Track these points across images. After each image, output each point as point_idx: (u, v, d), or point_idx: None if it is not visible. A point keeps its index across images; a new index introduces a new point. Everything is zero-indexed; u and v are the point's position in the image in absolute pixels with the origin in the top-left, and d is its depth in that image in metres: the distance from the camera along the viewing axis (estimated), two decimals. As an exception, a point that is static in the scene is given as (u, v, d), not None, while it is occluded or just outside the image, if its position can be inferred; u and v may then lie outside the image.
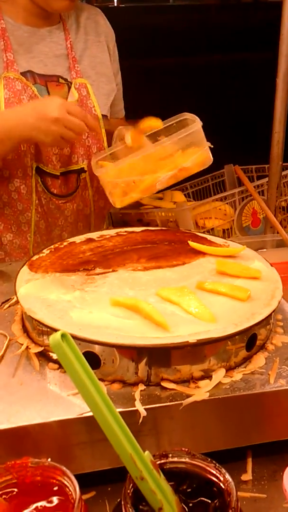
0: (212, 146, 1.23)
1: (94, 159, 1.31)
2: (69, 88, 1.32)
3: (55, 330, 0.68)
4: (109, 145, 1.38)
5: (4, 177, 1.31)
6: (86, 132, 1.23)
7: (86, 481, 0.70)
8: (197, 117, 1.22)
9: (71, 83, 1.32)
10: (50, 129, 1.14)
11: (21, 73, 1.26)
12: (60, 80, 1.32)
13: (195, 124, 1.19)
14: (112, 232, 1.13)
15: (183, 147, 1.21)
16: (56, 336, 0.51)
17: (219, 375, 0.76)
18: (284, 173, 1.60)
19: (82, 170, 1.37)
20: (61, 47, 1.34)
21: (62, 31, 1.35)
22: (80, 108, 1.21)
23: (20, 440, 0.70)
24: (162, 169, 1.20)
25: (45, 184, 1.34)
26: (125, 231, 1.13)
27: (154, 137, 1.28)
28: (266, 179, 1.59)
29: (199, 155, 1.21)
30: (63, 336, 0.52)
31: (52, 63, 1.32)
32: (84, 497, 0.71)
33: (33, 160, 1.30)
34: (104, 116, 1.38)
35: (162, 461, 0.58)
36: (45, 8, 1.25)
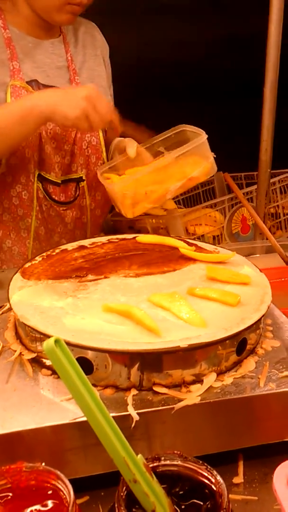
0: (215, 156, 1.27)
1: (99, 171, 1.33)
2: None
3: (48, 337, 0.69)
4: (107, 155, 1.41)
5: (7, 182, 1.32)
6: (107, 122, 1.21)
7: (79, 486, 0.70)
8: (202, 130, 1.27)
9: None
10: (79, 103, 1.13)
11: (27, 82, 1.28)
12: None
13: (202, 136, 1.24)
14: (104, 239, 1.14)
15: (190, 158, 1.25)
16: (50, 342, 0.52)
17: (210, 379, 0.77)
18: (272, 180, 1.62)
19: (81, 179, 1.39)
20: (62, 59, 1.36)
21: (62, 44, 1.37)
22: (107, 100, 1.22)
23: (14, 445, 0.70)
24: (171, 179, 1.24)
25: (47, 191, 1.35)
26: (117, 238, 1.14)
27: (152, 148, 1.32)
28: (255, 186, 1.62)
29: (206, 165, 1.27)
30: (56, 342, 0.53)
31: (54, 74, 1.34)
32: (78, 502, 0.72)
33: (36, 167, 1.32)
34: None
35: (155, 464, 0.59)
36: (47, 20, 1.27)
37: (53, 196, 1.36)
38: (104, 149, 1.40)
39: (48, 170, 1.33)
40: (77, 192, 1.39)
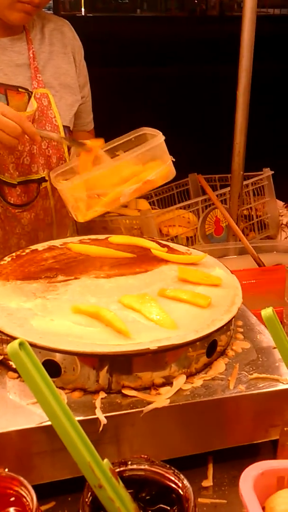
0: (174, 160, 1.24)
1: (53, 173, 1.29)
2: (30, 97, 1.31)
3: (15, 339, 0.67)
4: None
5: None
6: (20, 134, 1.14)
7: (45, 491, 0.69)
8: (159, 132, 1.23)
9: (31, 92, 1.32)
10: None
11: None
12: (20, 89, 1.31)
13: (158, 138, 1.20)
14: (75, 239, 1.12)
15: (146, 160, 1.21)
16: (14, 344, 0.51)
17: (179, 382, 0.77)
18: (245, 182, 1.63)
19: (42, 180, 1.36)
20: (23, 56, 1.33)
21: (24, 41, 1.34)
22: (18, 113, 1.15)
23: (-22, 451, 0.68)
24: (125, 183, 1.20)
25: (2, 192, 1.32)
26: (89, 239, 1.13)
27: (112, 151, 1.28)
28: (229, 188, 1.62)
29: (164, 168, 1.22)
30: (21, 344, 0.51)
31: (12, 72, 1.31)
32: (44, 507, 0.70)
33: None
34: (66, 127, 1.37)
35: (122, 468, 0.58)
36: (2, 19, 1.25)
37: (9, 198, 1.33)
38: (66, 149, 1.37)
39: (1, 171, 1.30)
40: (37, 193, 1.36)
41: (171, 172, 1.25)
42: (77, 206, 1.22)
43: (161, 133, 1.21)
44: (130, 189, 1.19)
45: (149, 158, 1.20)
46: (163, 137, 1.20)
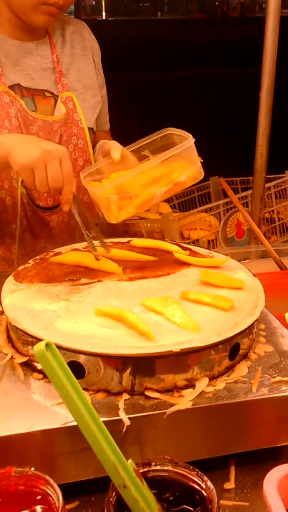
0: (202, 161, 1.25)
1: (82, 175, 1.30)
2: (56, 101, 1.33)
3: (40, 340, 0.69)
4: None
5: None
6: (54, 189, 1.06)
7: (69, 491, 0.70)
8: (189, 134, 1.23)
9: (57, 96, 1.34)
10: (33, 153, 1.03)
11: (9, 86, 1.27)
12: (46, 93, 1.33)
13: (189, 140, 1.21)
14: (98, 242, 1.14)
15: (175, 162, 1.22)
16: (41, 345, 0.52)
17: (202, 384, 0.77)
18: (267, 185, 1.63)
19: None
20: (48, 60, 1.35)
21: (48, 45, 1.36)
22: (71, 170, 1.07)
23: (4, 449, 0.70)
24: (157, 184, 1.21)
25: (31, 196, 1.34)
26: (111, 242, 1.14)
27: (138, 151, 1.29)
28: (250, 191, 1.62)
29: (193, 169, 1.23)
30: (47, 345, 0.53)
31: (38, 76, 1.33)
32: (68, 507, 0.71)
33: None
34: (90, 129, 1.39)
35: (145, 469, 0.58)
36: (27, 22, 1.27)
37: (38, 202, 1.35)
38: (91, 151, 1.38)
39: None
40: None
41: (200, 173, 1.25)
42: (109, 207, 1.24)
43: (191, 136, 1.22)
44: (162, 191, 1.21)
45: (178, 160, 1.21)
46: (193, 140, 1.21)
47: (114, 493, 0.54)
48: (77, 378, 0.54)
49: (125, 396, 0.75)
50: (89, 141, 1.38)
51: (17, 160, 1.04)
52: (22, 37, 1.32)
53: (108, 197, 1.21)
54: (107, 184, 1.23)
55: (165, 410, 0.73)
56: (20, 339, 0.83)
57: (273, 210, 1.75)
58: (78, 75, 1.40)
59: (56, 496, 0.54)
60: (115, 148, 1.28)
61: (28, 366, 0.82)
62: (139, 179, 1.20)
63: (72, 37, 1.42)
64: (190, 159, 1.22)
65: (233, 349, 0.81)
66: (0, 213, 1.34)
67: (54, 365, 0.53)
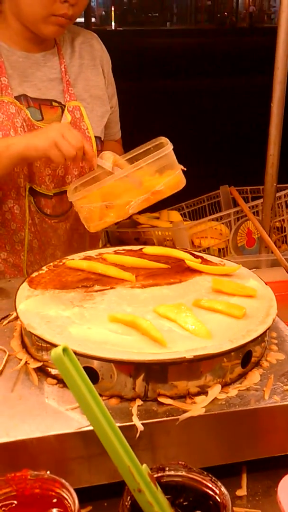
0: (184, 169, 1.22)
1: (73, 185, 1.29)
2: (63, 110, 1.35)
3: (54, 346, 0.70)
4: None
5: None
6: (72, 156, 1.16)
7: (82, 496, 0.70)
8: (168, 140, 1.22)
9: (64, 106, 1.35)
10: (48, 134, 1.15)
11: (15, 97, 1.29)
12: (54, 103, 1.35)
13: (166, 147, 1.19)
14: (110, 250, 1.15)
15: (155, 170, 1.20)
16: (58, 350, 0.53)
17: (215, 391, 0.77)
18: (278, 194, 1.63)
19: None
20: (56, 71, 1.37)
21: (56, 56, 1.38)
22: (78, 134, 1.19)
23: (19, 453, 0.70)
24: (135, 193, 1.19)
25: (38, 204, 1.36)
26: (123, 249, 1.15)
27: (132, 161, 1.29)
28: (261, 200, 1.62)
29: (172, 178, 1.20)
30: (64, 350, 0.53)
31: (45, 87, 1.35)
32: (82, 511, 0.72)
33: (27, 180, 1.32)
34: (97, 137, 1.40)
35: (159, 474, 0.59)
36: (36, 33, 1.29)
37: (46, 209, 1.37)
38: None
39: (38, 184, 1.33)
40: (72, 204, 1.39)
41: (181, 181, 1.23)
42: (90, 216, 1.24)
43: (169, 142, 1.20)
44: (138, 200, 1.20)
45: (160, 167, 1.19)
46: (172, 146, 1.20)
47: (129, 497, 0.55)
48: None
49: (138, 402, 0.76)
50: (96, 150, 1.39)
51: (39, 146, 1.15)
52: (30, 48, 1.34)
53: (85, 206, 1.21)
54: (81, 192, 1.22)
55: (178, 417, 0.73)
56: (34, 344, 0.84)
57: (283, 219, 1.75)
58: (86, 85, 1.42)
59: (72, 499, 0.55)
60: (107, 158, 1.28)
61: (42, 371, 0.83)
62: (114, 189, 1.20)
63: (81, 47, 1.44)
64: (169, 167, 1.21)
65: (246, 356, 0.82)
66: (9, 221, 1.36)
67: (71, 370, 0.53)
